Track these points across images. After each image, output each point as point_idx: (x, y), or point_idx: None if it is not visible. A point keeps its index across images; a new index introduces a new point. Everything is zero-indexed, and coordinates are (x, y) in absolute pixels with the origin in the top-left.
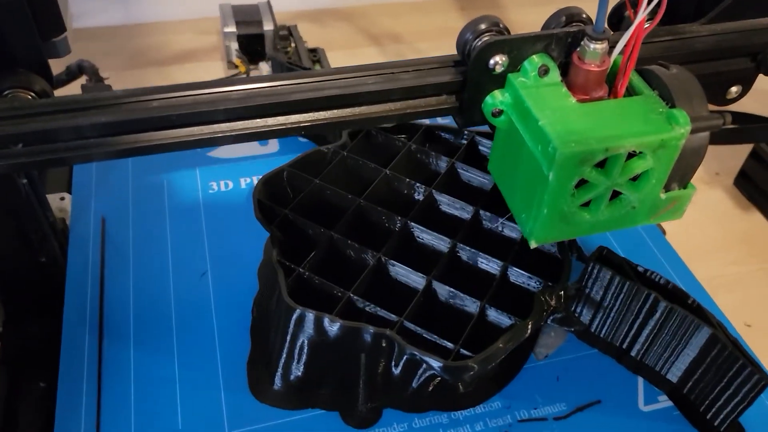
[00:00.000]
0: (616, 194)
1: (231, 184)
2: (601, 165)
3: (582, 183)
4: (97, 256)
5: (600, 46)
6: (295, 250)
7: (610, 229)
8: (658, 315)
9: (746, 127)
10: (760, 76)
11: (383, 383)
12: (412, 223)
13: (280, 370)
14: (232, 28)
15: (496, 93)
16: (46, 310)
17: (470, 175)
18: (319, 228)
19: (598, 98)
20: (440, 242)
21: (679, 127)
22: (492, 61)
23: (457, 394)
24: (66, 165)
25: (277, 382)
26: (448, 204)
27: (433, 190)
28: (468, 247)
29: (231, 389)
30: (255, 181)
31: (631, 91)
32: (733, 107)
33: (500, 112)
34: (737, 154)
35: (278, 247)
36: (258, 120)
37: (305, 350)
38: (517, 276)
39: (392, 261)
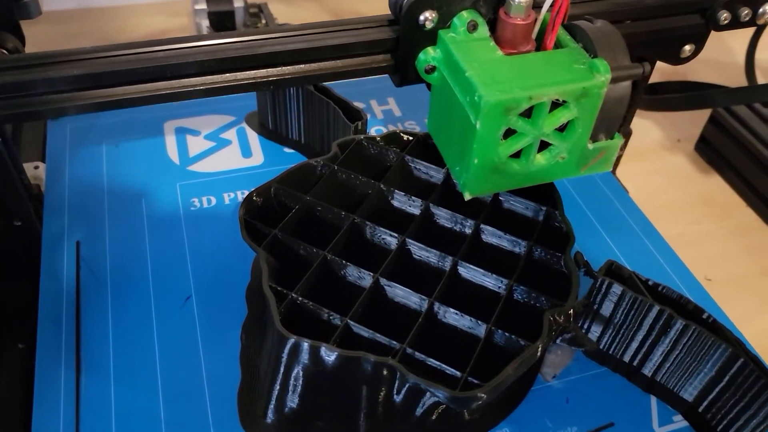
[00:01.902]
0: (545, 145)
1: (214, 200)
2: (528, 115)
3: (511, 133)
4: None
5: (524, 1)
6: (286, 272)
7: (542, 180)
8: (672, 332)
9: (703, 93)
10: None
11: (384, 413)
12: (410, 241)
13: (273, 402)
14: (202, 5)
15: (429, 49)
16: (22, 274)
17: None
18: (311, 248)
19: (525, 52)
20: (440, 260)
21: (599, 76)
22: (422, 17)
23: (463, 422)
24: (41, 118)
25: (270, 415)
26: (445, 218)
27: (431, 204)
28: (470, 265)
29: (220, 424)
30: (239, 196)
31: (558, 46)
32: (692, 77)
33: (433, 69)
34: (697, 122)
35: (268, 270)
36: (228, 74)
37: (300, 381)
38: (523, 294)
39: (390, 282)
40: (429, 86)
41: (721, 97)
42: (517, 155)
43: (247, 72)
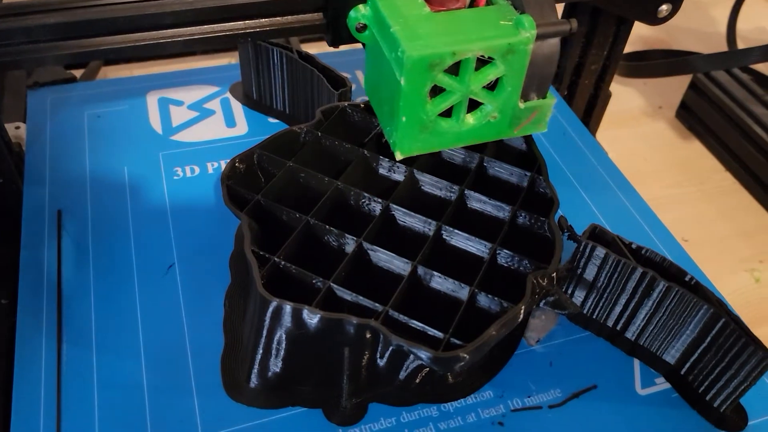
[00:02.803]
0: (477, 105)
1: (197, 170)
2: (456, 73)
3: (439, 92)
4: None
5: None
6: (269, 238)
7: (475, 140)
8: (655, 294)
9: (683, 59)
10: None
11: (368, 377)
12: (394, 206)
13: (256, 367)
14: None
15: (359, 7)
16: (5, 230)
17: (452, 152)
18: (294, 213)
19: (455, 9)
20: (424, 225)
21: (524, 32)
22: None
23: (447, 385)
24: (19, 68)
25: (254, 380)
26: (430, 184)
27: (414, 170)
28: (454, 230)
29: (203, 390)
30: (223, 165)
31: (489, 4)
32: (675, 47)
33: (364, 27)
34: (679, 90)
35: (251, 236)
36: (205, 26)
37: (283, 345)
38: (507, 258)
39: (374, 246)
40: (364, 46)
41: (701, 63)
42: (448, 115)
43: (224, 24)
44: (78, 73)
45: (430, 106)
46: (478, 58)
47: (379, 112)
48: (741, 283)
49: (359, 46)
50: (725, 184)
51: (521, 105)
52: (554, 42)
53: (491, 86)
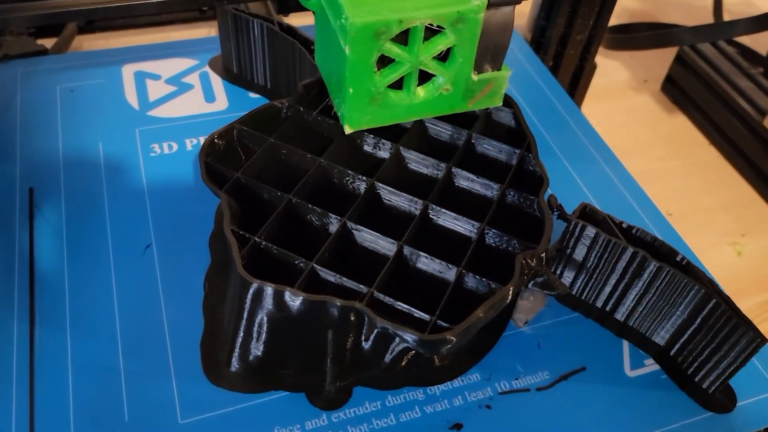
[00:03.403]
0: (429, 78)
1: (175, 146)
2: (405, 43)
3: (389, 63)
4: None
5: None
6: (250, 218)
7: (428, 114)
8: (645, 275)
9: (668, 31)
10: None
11: (352, 360)
12: (379, 184)
13: (237, 350)
14: None
15: None
16: None
17: (439, 129)
18: (275, 192)
19: None
20: (410, 204)
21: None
22: None
23: (433, 368)
24: None
25: (234, 363)
26: (417, 162)
27: (401, 147)
28: (441, 209)
29: (182, 374)
30: (202, 141)
31: None
32: (661, 20)
33: None
34: (665, 63)
35: (230, 215)
36: None
37: (265, 328)
38: (495, 238)
39: (358, 226)
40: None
41: (687, 35)
42: (400, 87)
43: None
44: (50, 43)
45: (378, 77)
46: (428, 28)
47: (329, 84)
48: (723, 256)
49: None
50: (710, 158)
51: (474, 77)
52: (508, 10)
53: (443, 57)
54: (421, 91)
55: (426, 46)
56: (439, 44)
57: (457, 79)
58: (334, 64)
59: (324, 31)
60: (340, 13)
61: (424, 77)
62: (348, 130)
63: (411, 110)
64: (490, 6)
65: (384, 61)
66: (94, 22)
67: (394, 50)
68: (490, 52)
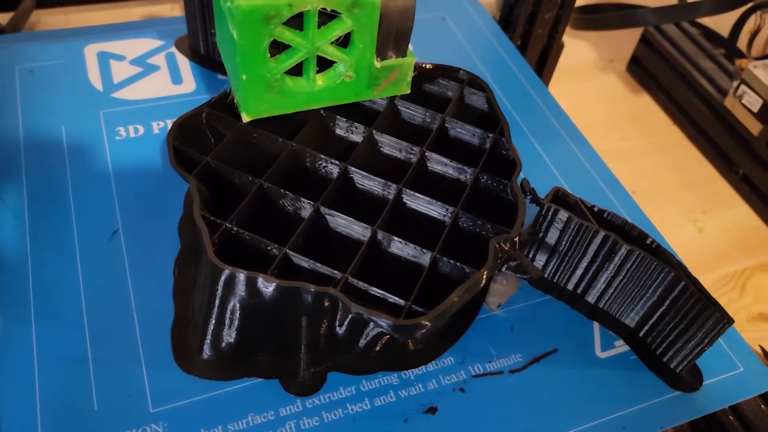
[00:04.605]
0: (330, 64)
1: (141, 129)
2: (301, 28)
3: (285, 48)
4: None
5: None
6: (220, 203)
7: (332, 101)
8: (616, 258)
9: (633, 11)
10: None
11: (327, 346)
12: (352, 168)
13: (209, 337)
14: None
15: None
16: None
17: (412, 112)
18: (246, 176)
19: None
20: (384, 188)
21: None
22: None
23: (407, 353)
24: None
25: (206, 351)
26: (390, 145)
27: (374, 131)
28: (415, 193)
29: (153, 362)
30: (169, 124)
31: None
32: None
33: None
34: (631, 44)
35: (200, 200)
36: None
37: (237, 314)
38: (469, 222)
39: (331, 211)
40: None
41: (651, 16)
42: (298, 74)
43: None
44: (5, 19)
45: (273, 63)
46: (325, 13)
47: (228, 70)
48: (686, 233)
49: None
50: (673, 137)
51: (377, 64)
52: None
53: (343, 43)
54: (321, 79)
55: (322, 32)
56: (336, 30)
57: (360, 66)
58: (228, 48)
59: (220, 16)
60: None
61: (327, 63)
62: (245, 118)
63: (313, 97)
64: None
65: (280, 47)
66: None
67: (287, 35)
68: (393, 37)
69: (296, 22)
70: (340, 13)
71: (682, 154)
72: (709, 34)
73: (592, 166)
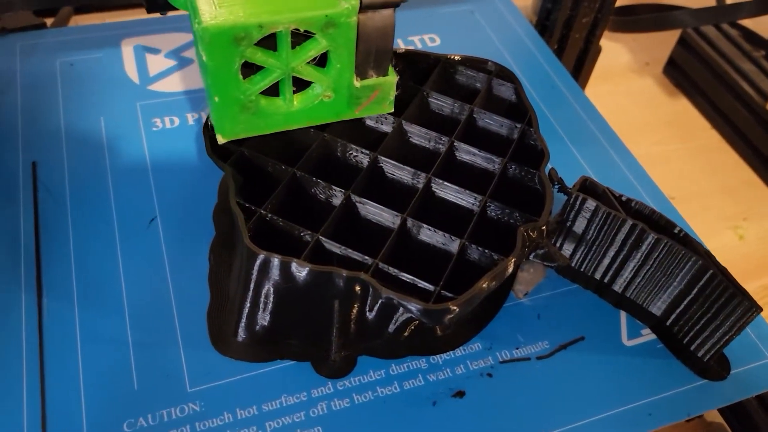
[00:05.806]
0: (308, 84)
1: (177, 121)
2: (274, 48)
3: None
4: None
5: None
6: (254, 191)
7: (312, 122)
8: (644, 247)
9: (671, 13)
10: None
11: (357, 330)
12: (382, 158)
13: (244, 320)
14: None
15: None
16: None
17: (441, 103)
18: (280, 165)
19: None
20: (413, 177)
21: (344, 2)
22: None
23: (436, 338)
24: None
25: (241, 333)
26: (419, 136)
27: (403, 121)
28: (444, 182)
29: (190, 344)
30: (203, 116)
31: None
32: (664, 1)
33: None
34: (667, 46)
35: (235, 187)
36: None
37: (271, 298)
38: (497, 211)
39: (362, 199)
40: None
41: (690, 18)
42: (275, 94)
43: None
44: (48, 23)
45: (247, 84)
46: (300, 33)
47: (207, 93)
48: (726, 240)
49: None
50: (711, 141)
51: (357, 83)
52: (387, 14)
53: (321, 63)
54: (298, 100)
55: (297, 52)
56: (311, 50)
57: (338, 86)
58: (201, 69)
59: (194, 34)
60: (196, 15)
61: (305, 84)
62: (221, 140)
63: (291, 118)
64: (365, 9)
65: (254, 67)
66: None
67: (259, 56)
68: (373, 56)
69: (270, 42)
70: (315, 34)
71: (721, 158)
72: (750, 35)
73: (630, 171)
